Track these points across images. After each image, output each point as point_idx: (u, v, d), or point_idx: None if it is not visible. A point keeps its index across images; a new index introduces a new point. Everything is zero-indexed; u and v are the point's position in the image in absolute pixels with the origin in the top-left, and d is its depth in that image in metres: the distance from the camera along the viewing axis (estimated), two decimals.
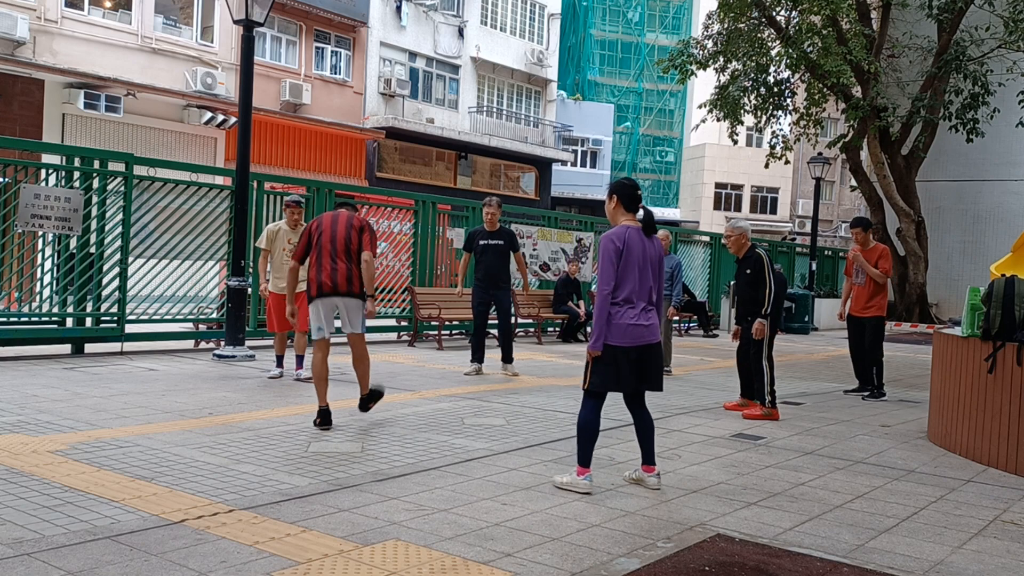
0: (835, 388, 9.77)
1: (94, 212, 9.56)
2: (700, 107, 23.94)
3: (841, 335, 20.41)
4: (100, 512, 3.81)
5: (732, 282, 7.90)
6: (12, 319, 9.26)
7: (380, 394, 6.55)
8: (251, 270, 10.91)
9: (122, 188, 9.81)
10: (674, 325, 14.13)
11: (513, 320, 11.68)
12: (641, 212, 4.72)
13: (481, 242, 9.41)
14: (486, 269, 9.38)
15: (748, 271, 7.23)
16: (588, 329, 15.51)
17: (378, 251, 7.88)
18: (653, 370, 4.65)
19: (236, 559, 3.32)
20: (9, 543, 3.37)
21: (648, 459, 4.72)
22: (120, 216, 9.78)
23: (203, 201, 10.59)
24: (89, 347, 9.73)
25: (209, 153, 22.22)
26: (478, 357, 9.45)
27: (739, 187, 45.91)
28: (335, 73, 25.43)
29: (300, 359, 8.34)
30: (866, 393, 9.06)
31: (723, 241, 7.64)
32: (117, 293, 9.79)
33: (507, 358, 9.60)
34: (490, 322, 10.30)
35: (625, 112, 42.35)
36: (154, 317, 10.24)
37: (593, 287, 15.70)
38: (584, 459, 4.57)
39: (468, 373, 9.35)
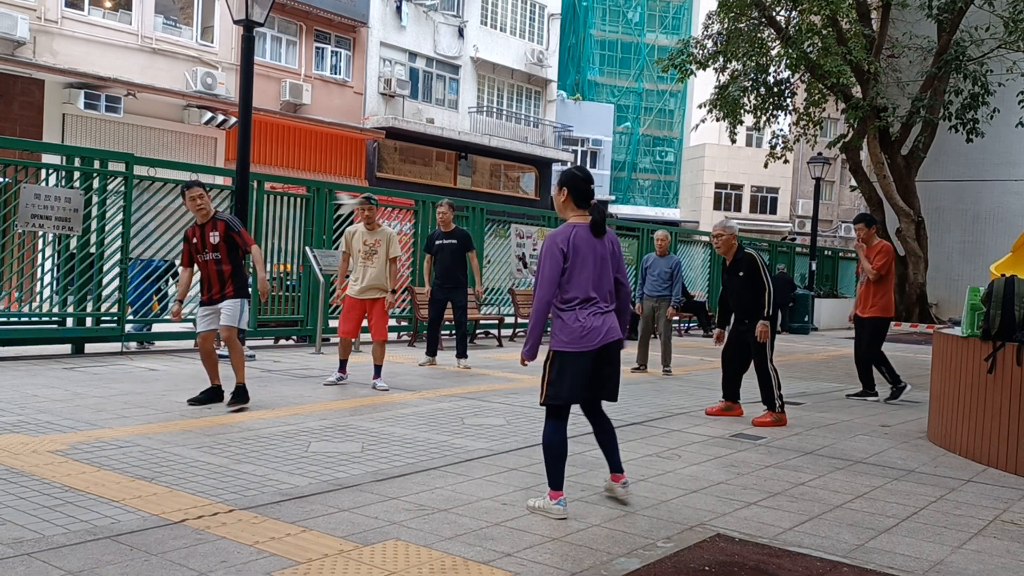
0: (835, 388, 9.77)
1: (94, 212, 9.57)
2: (700, 107, 23.94)
3: (841, 335, 20.43)
4: (100, 512, 3.81)
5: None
6: (12, 319, 9.26)
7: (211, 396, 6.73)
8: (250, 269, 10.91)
9: (122, 188, 9.82)
10: (674, 325, 14.12)
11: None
12: (592, 210, 4.28)
13: (437, 242, 10.00)
14: (442, 268, 9.92)
15: (741, 273, 7.03)
16: None
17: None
18: (614, 374, 4.28)
19: (236, 559, 3.32)
20: (9, 543, 3.37)
21: (616, 467, 4.40)
22: (120, 216, 9.79)
23: None
24: (89, 347, 9.73)
25: (209, 153, 22.23)
26: (432, 351, 10.12)
27: (739, 187, 45.91)
28: (335, 73, 25.43)
29: (379, 369, 8.08)
30: (873, 397, 8.85)
31: (712, 241, 7.32)
32: (117, 293, 9.79)
33: (462, 353, 10.09)
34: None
35: (625, 112, 42.34)
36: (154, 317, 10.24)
37: None
38: (555, 481, 4.15)
39: (422, 364, 9.95)
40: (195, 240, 6.75)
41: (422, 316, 12.61)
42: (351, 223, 12.64)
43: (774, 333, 7.07)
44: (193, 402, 6.64)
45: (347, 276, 8.44)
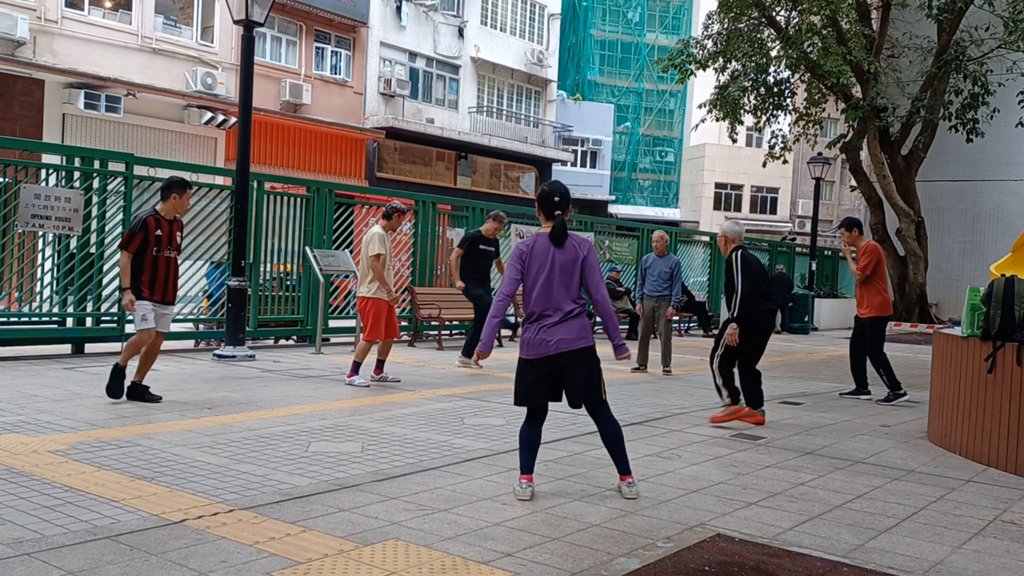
0: (835, 388, 9.77)
1: (94, 212, 9.57)
2: (700, 107, 23.94)
3: (841, 335, 20.43)
4: (100, 512, 3.81)
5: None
6: (12, 319, 9.26)
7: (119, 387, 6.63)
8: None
9: (122, 188, 9.82)
10: (674, 325, 14.12)
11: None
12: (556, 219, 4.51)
13: (481, 247, 10.47)
14: (483, 272, 10.51)
15: (726, 276, 7.10)
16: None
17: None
18: (574, 381, 4.41)
19: (236, 559, 3.32)
20: (9, 543, 3.37)
21: (621, 468, 4.53)
22: (120, 216, 9.79)
23: (203, 201, 10.59)
24: (89, 347, 9.73)
25: (209, 153, 22.22)
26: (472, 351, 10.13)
27: (739, 187, 45.91)
28: (335, 73, 25.43)
29: (382, 364, 8.39)
30: (865, 396, 8.90)
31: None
32: (117, 293, 9.79)
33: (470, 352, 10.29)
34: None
35: (625, 112, 42.34)
36: None
37: None
38: (522, 466, 4.47)
39: (462, 365, 9.93)
40: (158, 233, 6.57)
41: (422, 316, 12.62)
42: (350, 223, 12.65)
43: (745, 332, 6.94)
44: (118, 396, 6.60)
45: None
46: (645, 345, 10.54)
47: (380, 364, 8.39)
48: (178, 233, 6.82)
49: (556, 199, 4.51)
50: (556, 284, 4.42)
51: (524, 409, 4.57)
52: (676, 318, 15.37)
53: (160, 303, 6.68)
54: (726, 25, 22.31)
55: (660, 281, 10.45)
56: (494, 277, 11.29)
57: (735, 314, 6.86)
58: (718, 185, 45.83)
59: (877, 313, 8.69)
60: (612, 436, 4.51)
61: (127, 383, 6.70)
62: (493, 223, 10.59)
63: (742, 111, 22.98)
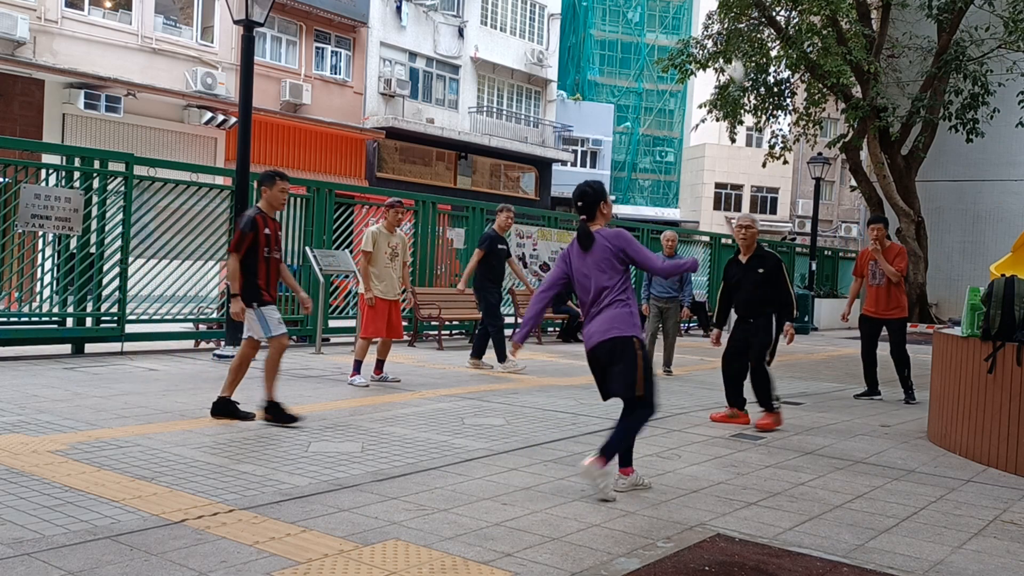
0: (835, 388, 9.77)
1: (94, 212, 9.56)
2: (700, 107, 23.93)
3: (841, 335, 20.41)
4: (100, 512, 3.81)
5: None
6: (12, 319, 9.26)
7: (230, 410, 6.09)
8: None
9: (122, 188, 9.82)
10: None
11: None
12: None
13: (499, 246, 10.14)
14: (500, 272, 10.20)
15: (761, 270, 6.80)
16: None
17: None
18: (607, 372, 4.55)
19: (236, 559, 3.32)
20: (9, 543, 3.37)
21: (604, 451, 4.48)
22: (120, 216, 9.79)
23: (203, 201, 10.59)
24: (89, 347, 9.73)
25: (209, 153, 22.22)
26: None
27: (739, 187, 45.90)
28: (335, 73, 25.43)
29: (382, 364, 8.39)
30: (878, 397, 8.90)
31: (738, 232, 6.98)
32: (117, 293, 9.79)
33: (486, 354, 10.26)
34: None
35: (625, 112, 42.34)
36: (154, 317, 10.24)
37: None
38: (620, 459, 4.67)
39: (513, 370, 9.68)
40: (267, 232, 6.08)
41: (422, 316, 12.62)
42: (350, 223, 12.66)
43: (777, 336, 6.96)
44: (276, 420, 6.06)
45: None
46: (651, 345, 10.50)
47: (380, 364, 8.39)
48: (279, 233, 6.31)
49: (579, 204, 4.71)
50: (593, 280, 4.62)
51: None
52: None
53: (270, 303, 6.36)
54: (726, 25, 22.30)
55: (670, 283, 10.37)
56: (507, 276, 11.12)
57: (796, 314, 7.05)
58: (718, 185, 45.81)
59: (903, 313, 8.85)
60: (624, 431, 4.54)
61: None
62: (505, 214, 10.21)
63: (742, 111, 22.97)
